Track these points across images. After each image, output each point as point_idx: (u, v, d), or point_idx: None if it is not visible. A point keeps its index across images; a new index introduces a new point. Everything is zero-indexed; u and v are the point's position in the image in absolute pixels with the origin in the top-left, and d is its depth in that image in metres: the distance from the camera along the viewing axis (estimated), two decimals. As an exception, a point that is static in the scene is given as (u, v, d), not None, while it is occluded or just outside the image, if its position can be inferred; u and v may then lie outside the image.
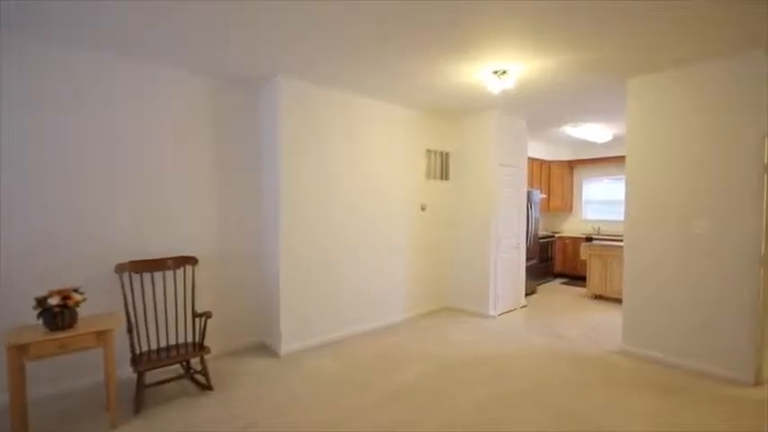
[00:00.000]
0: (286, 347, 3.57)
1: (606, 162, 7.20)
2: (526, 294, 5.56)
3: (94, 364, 2.83)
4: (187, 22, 2.50)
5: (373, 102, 4.30)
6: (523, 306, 5.34)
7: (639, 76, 3.53)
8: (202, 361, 2.91)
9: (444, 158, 5.23)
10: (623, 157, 6.74)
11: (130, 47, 2.87)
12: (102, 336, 2.45)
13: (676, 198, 3.36)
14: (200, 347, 2.93)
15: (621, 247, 5.66)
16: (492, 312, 4.83)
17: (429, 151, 5.01)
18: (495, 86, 3.42)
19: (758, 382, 3.00)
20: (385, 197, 4.46)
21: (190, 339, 3.19)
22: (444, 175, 5.24)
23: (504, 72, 3.33)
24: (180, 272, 3.18)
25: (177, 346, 2.99)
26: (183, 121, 3.35)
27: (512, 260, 5.19)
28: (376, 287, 4.39)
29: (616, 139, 6.59)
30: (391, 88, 3.94)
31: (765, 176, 2.98)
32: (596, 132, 6.06)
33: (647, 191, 3.54)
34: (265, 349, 3.71)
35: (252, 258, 3.78)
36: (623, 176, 7.22)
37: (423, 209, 4.93)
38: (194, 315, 3.06)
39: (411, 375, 3.19)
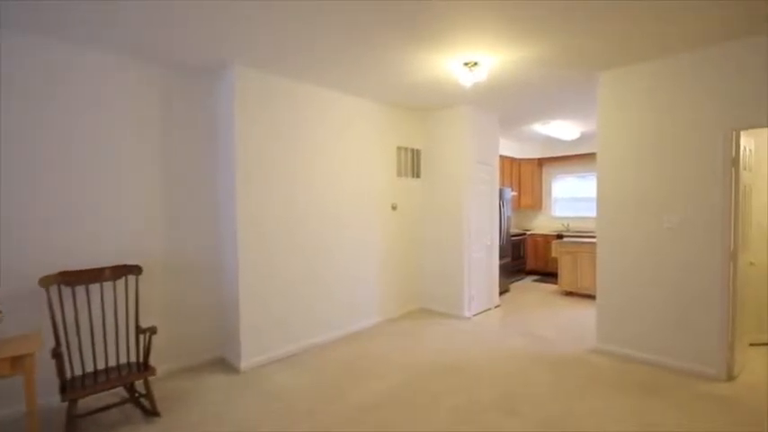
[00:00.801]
0: (247, 361, 3.27)
1: (574, 159, 7.28)
2: (499, 293, 5.48)
3: (19, 391, 2.43)
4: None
5: (341, 96, 4.06)
6: (497, 306, 5.25)
7: (610, 69, 3.48)
8: (146, 383, 2.57)
9: (415, 156, 5.06)
10: (590, 154, 6.87)
11: (55, 26, 2.50)
12: (18, 362, 2.08)
13: (648, 194, 3.33)
14: (144, 368, 2.59)
15: (591, 243, 5.73)
16: (467, 313, 4.70)
17: (400, 148, 4.82)
18: (467, 79, 3.26)
19: (730, 378, 2.99)
20: (354, 196, 4.23)
21: (133, 359, 2.83)
22: (416, 173, 5.07)
23: (476, 64, 3.19)
24: (121, 282, 2.82)
25: (118, 367, 2.63)
26: (125, 112, 2.97)
27: (485, 259, 5.09)
28: (347, 291, 4.15)
29: (583, 137, 6.67)
30: (360, 81, 3.72)
31: (733, 170, 2.97)
32: (564, 130, 6.09)
33: (619, 187, 3.50)
34: (224, 365, 3.38)
35: (207, 264, 3.44)
36: (591, 173, 7.32)
37: (394, 208, 4.73)
38: (138, 331, 2.72)
39: (384, 386, 2.97)
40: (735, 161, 2.97)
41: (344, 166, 4.11)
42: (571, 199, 7.68)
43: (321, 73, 3.47)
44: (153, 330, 2.58)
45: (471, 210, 4.79)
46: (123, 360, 2.81)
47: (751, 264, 3.36)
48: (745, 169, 3.14)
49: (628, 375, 3.11)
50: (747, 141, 3.18)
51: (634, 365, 3.29)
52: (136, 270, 2.80)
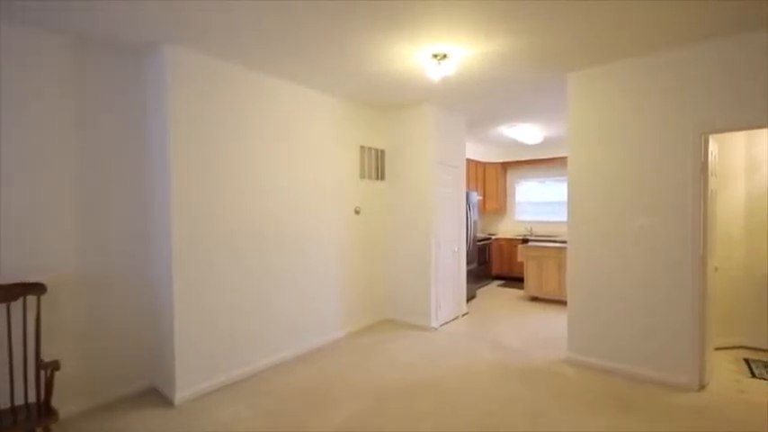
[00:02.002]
0: (183, 392, 2.79)
1: (537, 164, 7.30)
2: (467, 300, 5.29)
3: None
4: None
5: (300, 89, 3.68)
6: (465, 314, 5.05)
7: (581, 69, 3.36)
8: (46, 432, 2.07)
9: (379, 156, 4.76)
10: (553, 159, 6.91)
11: None
12: None
13: (619, 199, 3.22)
14: (45, 412, 2.08)
15: (556, 248, 5.70)
16: (434, 323, 4.45)
17: (363, 148, 4.51)
18: (435, 72, 3.02)
19: (701, 387, 2.92)
20: (313, 199, 3.85)
21: (34, 399, 2.29)
22: (380, 174, 4.77)
23: (445, 56, 2.95)
24: (18, 305, 2.28)
25: (13, 410, 2.11)
26: (21, 96, 2.44)
27: (453, 266, 4.88)
28: (304, 304, 3.75)
29: (546, 141, 6.68)
30: (320, 73, 3.36)
31: (703, 175, 2.91)
32: (529, 134, 6.05)
33: (590, 192, 3.38)
34: (156, 396, 2.88)
35: (134, 276, 2.92)
36: (551, 178, 7.36)
37: (357, 212, 4.40)
38: (39, 366, 2.19)
39: (343, 415, 2.62)
40: (704, 166, 2.92)
41: (302, 165, 3.73)
42: (534, 203, 7.70)
43: (275, 61, 3.09)
44: (55, 366, 2.07)
45: (438, 214, 4.56)
46: (19, 401, 2.26)
47: (716, 269, 3.35)
48: (712, 174, 3.11)
49: (601, 388, 2.97)
50: (713, 146, 3.16)
51: (606, 376, 3.16)
52: (37, 288, 2.27)
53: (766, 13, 2.43)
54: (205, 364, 2.93)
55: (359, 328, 4.40)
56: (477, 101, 4.32)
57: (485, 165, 7.45)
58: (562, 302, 5.31)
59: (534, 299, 5.86)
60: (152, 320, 2.98)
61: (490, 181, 7.56)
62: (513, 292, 6.42)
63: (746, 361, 3.43)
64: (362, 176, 4.50)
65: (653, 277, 3.07)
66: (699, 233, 2.90)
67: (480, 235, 7.00)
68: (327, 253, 4.02)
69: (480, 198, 7.10)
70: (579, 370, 3.30)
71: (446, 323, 4.65)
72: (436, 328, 4.45)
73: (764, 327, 3.65)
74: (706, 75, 2.84)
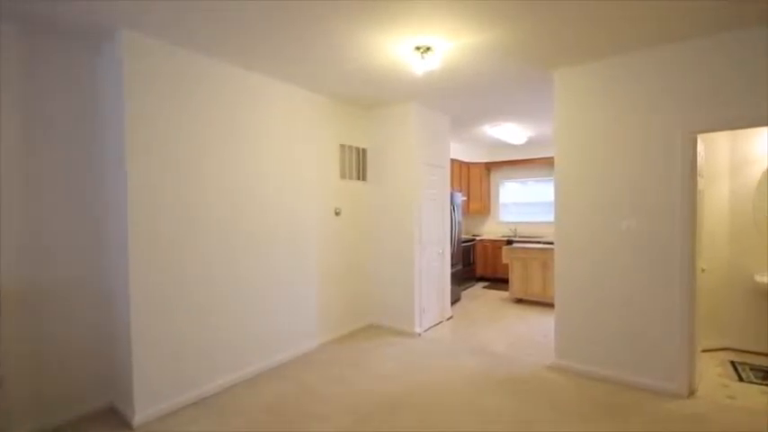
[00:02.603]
0: (143, 412, 2.54)
1: (522, 164, 7.25)
2: (451, 303, 5.15)
3: None
4: None
5: (273, 82, 3.46)
6: (449, 317, 4.92)
7: (568, 66, 3.26)
8: (-26, 467, 1.81)
9: (361, 156, 4.58)
10: (538, 159, 6.87)
11: None
12: None
13: (607, 200, 3.13)
14: (-25, 442, 1.83)
15: (540, 249, 5.63)
16: (418, 329, 4.29)
17: (343, 146, 4.31)
18: (419, 66, 2.86)
19: (691, 393, 2.85)
20: (290, 200, 3.64)
21: (-36, 427, 2.03)
22: (362, 174, 4.58)
23: (429, 49, 2.79)
24: (-55, 321, 2.01)
25: (-64, 441, 1.84)
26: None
27: (437, 268, 4.73)
28: (280, 312, 3.53)
29: (531, 142, 6.62)
30: (297, 66, 3.16)
31: (692, 175, 2.84)
32: (513, 133, 5.97)
33: (577, 192, 3.28)
34: (113, 417, 2.61)
35: (87, 286, 2.66)
36: (539, 178, 7.30)
37: (337, 213, 4.21)
38: (-31, 389, 1.93)
39: (321, 432, 2.43)
40: (693, 166, 2.85)
41: (278, 166, 3.52)
42: (518, 204, 7.64)
43: (247, 51, 2.87)
44: (-15, 390, 1.82)
45: (422, 215, 4.41)
46: (-53, 430, 2.00)
47: (702, 270, 3.29)
48: (699, 175, 3.04)
49: (590, 397, 2.86)
50: (700, 146, 3.09)
51: (594, 383, 3.06)
52: (-32, 302, 2.01)
53: (748, 13, 2.37)
54: (168, 379, 2.68)
55: (340, 335, 4.20)
56: (461, 98, 4.18)
57: (469, 165, 7.35)
58: (547, 304, 5.24)
59: (519, 301, 5.77)
60: (109, 333, 2.71)
61: (474, 181, 7.47)
62: (497, 294, 6.33)
63: (733, 364, 3.38)
64: (343, 176, 4.30)
65: (641, 280, 2.99)
66: (688, 234, 2.83)
67: (464, 236, 6.89)
68: (306, 257, 3.81)
69: (464, 199, 6.99)
70: (566, 376, 3.19)
71: (430, 328, 4.50)
72: (420, 334, 4.29)
73: (750, 328, 3.62)
74: (693, 74, 2.76)
